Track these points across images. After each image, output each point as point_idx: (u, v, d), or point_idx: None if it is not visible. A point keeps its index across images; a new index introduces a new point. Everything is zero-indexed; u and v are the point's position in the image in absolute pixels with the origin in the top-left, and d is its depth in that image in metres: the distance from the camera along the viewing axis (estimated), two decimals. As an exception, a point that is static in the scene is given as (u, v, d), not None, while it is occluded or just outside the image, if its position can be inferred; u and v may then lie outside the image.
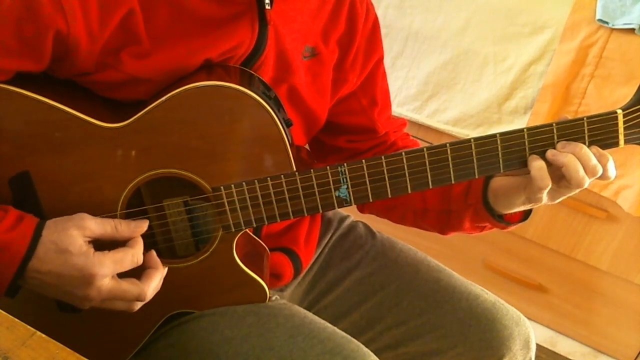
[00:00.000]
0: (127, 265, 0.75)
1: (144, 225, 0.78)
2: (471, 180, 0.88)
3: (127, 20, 0.73)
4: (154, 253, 0.79)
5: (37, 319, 0.68)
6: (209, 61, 0.79)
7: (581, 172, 0.79)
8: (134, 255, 0.75)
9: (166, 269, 0.80)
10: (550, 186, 0.80)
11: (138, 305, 0.77)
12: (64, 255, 0.72)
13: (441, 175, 0.81)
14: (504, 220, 0.91)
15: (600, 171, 0.80)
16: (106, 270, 0.73)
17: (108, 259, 0.73)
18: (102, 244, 0.75)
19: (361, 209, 1.07)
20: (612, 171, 0.82)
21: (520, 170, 0.83)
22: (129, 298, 0.76)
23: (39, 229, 0.72)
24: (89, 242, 0.74)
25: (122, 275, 0.75)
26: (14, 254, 0.71)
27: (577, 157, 0.79)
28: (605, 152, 0.82)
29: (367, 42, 0.96)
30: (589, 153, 0.80)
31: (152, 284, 0.77)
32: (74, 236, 0.72)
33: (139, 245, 0.77)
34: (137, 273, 0.77)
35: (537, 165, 0.80)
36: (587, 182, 0.80)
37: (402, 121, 1.09)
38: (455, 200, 0.94)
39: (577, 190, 0.82)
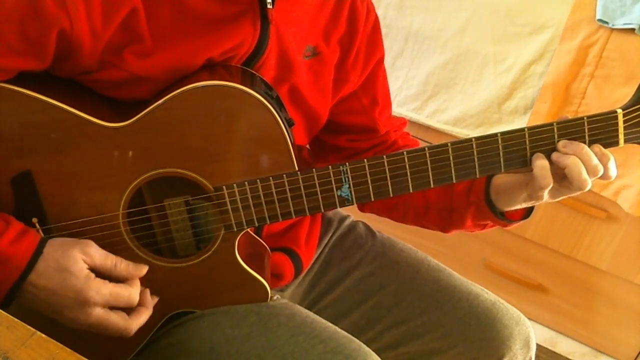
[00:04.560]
0: (121, 303, 0.76)
1: (142, 270, 0.80)
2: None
3: (130, 19, 0.73)
4: (147, 292, 0.81)
5: (37, 319, 0.68)
6: (211, 60, 0.79)
7: (584, 174, 0.79)
8: (131, 295, 0.77)
9: (156, 300, 0.83)
10: (551, 185, 0.81)
11: (120, 336, 0.78)
12: (63, 274, 0.72)
13: (443, 175, 0.81)
14: (505, 218, 0.91)
15: (601, 171, 0.80)
16: (100, 299, 0.74)
17: (106, 289, 0.74)
18: (96, 274, 0.76)
19: (361, 208, 1.07)
20: (613, 171, 0.82)
21: (523, 168, 0.83)
22: (113, 330, 0.77)
23: (41, 244, 0.73)
24: (88, 268, 0.75)
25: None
26: (14, 267, 0.71)
27: (578, 157, 0.80)
28: (607, 151, 0.81)
29: (367, 42, 0.97)
30: (590, 153, 0.80)
31: (139, 321, 0.79)
32: (76, 258, 0.74)
33: (137, 287, 0.79)
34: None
35: (539, 164, 0.80)
36: (589, 185, 0.80)
37: (402, 120, 1.09)
38: (457, 198, 0.94)
39: (579, 192, 0.82)
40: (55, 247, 0.74)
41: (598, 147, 0.81)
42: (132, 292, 0.77)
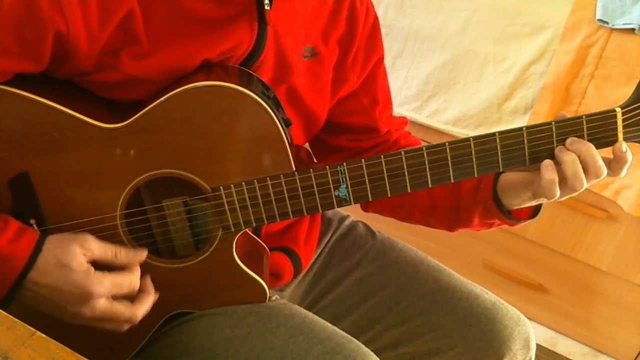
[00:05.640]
0: (124, 290, 0.77)
1: (142, 255, 0.80)
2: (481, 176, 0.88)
3: (127, 21, 0.73)
4: (149, 278, 0.81)
5: (37, 319, 0.68)
6: (208, 61, 0.79)
7: (579, 173, 0.79)
8: (132, 281, 0.77)
9: (157, 294, 0.82)
10: (557, 181, 0.80)
11: (127, 326, 0.79)
12: (63, 270, 0.73)
13: (440, 175, 0.81)
14: (513, 217, 0.91)
15: (604, 172, 0.80)
16: (103, 291, 0.74)
17: (108, 280, 0.75)
18: (98, 266, 0.76)
19: (365, 208, 1.06)
20: (625, 171, 0.81)
21: (530, 166, 0.82)
22: (120, 320, 0.77)
23: (40, 242, 0.74)
24: (88, 261, 0.75)
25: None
26: (14, 265, 0.71)
27: (582, 156, 0.79)
28: (628, 154, 0.80)
29: (367, 41, 0.96)
30: (595, 153, 0.79)
31: (144, 308, 0.79)
32: (75, 253, 0.74)
33: (138, 272, 0.79)
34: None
35: (546, 162, 0.80)
36: (584, 184, 0.80)
37: (403, 119, 1.09)
38: (464, 196, 0.93)
39: (575, 193, 0.81)
40: (54, 243, 0.74)
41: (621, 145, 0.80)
42: (132, 278, 0.78)
